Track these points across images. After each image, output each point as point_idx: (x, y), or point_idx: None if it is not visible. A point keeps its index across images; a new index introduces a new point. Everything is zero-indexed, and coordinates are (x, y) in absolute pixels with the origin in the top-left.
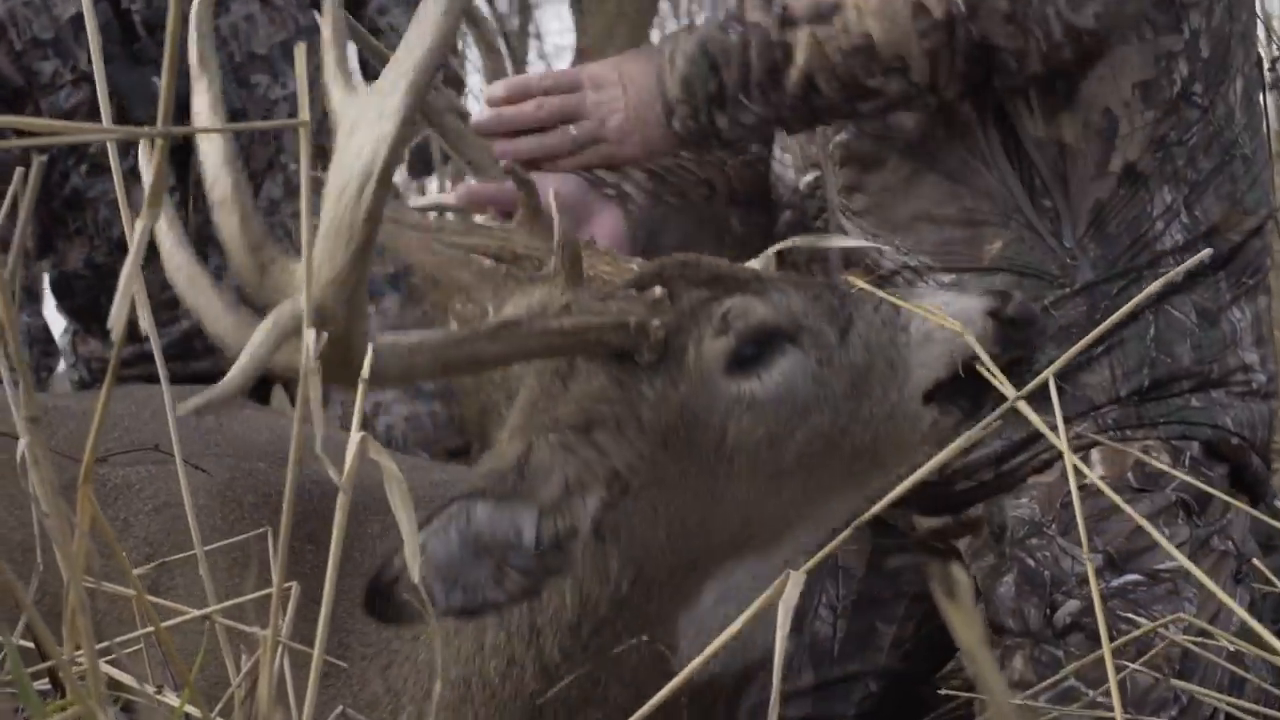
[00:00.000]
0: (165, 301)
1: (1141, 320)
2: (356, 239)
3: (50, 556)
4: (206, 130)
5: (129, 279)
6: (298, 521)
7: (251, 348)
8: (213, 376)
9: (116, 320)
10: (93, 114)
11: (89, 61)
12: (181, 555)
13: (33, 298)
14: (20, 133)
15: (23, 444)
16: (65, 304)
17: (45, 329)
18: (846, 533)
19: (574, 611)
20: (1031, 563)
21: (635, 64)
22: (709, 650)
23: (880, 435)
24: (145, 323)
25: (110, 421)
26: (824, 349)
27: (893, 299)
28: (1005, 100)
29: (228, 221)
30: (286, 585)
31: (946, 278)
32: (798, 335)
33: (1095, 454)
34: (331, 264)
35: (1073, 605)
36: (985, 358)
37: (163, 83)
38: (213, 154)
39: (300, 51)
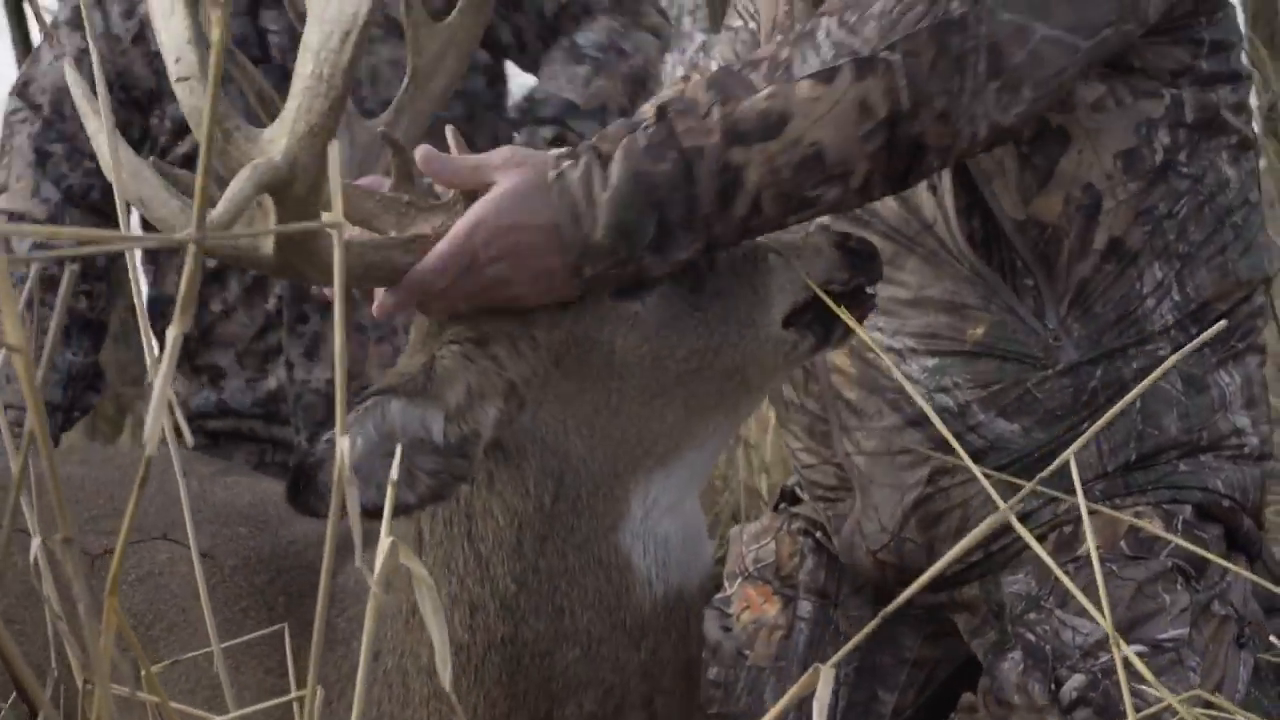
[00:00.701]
0: (254, 353)
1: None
2: (336, 89)
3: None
4: (246, 234)
5: (161, 393)
6: (274, 576)
7: (232, 193)
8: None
9: (150, 437)
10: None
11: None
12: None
13: (94, 334)
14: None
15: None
16: (157, 327)
17: (93, 366)
18: (874, 624)
19: (510, 530)
20: (1032, 638)
21: (532, 220)
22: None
23: (747, 356)
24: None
25: (95, 488)
26: (695, 276)
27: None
28: (980, 185)
29: (195, 92)
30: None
31: (930, 361)
32: None
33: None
34: (309, 116)
35: (1078, 680)
36: (819, 292)
37: (196, 186)
38: (174, 34)
39: (334, 151)
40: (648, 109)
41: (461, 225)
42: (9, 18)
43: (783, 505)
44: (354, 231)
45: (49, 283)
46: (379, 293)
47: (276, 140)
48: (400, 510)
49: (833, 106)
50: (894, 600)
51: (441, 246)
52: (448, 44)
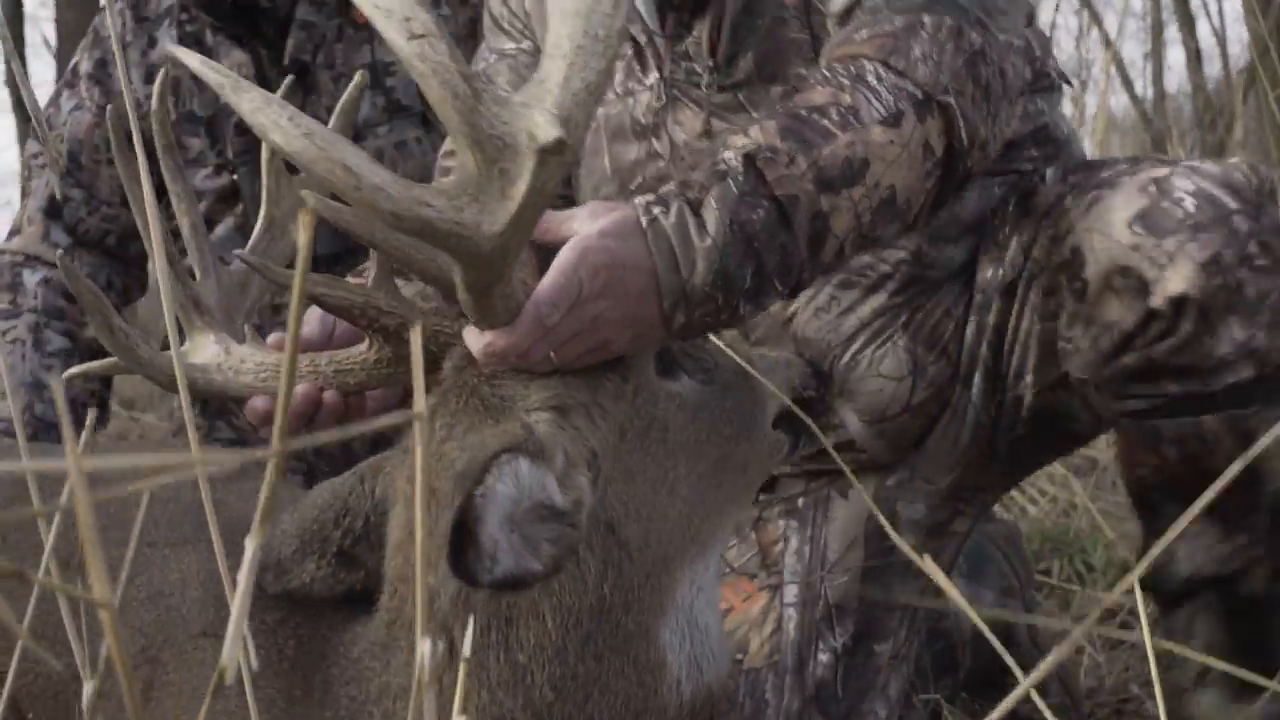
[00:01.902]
0: None
1: None
2: (612, 50)
3: None
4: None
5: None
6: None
7: (524, 177)
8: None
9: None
10: (222, 201)
11: (234, 154)
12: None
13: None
14: None
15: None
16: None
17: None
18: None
19: (559, 632)
20: None
21: (633, 251)
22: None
23: (757, 449)
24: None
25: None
26: (705, 369)
27: (724, 348)
28: None
29: (435, 49)
30: None
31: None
32: (683, 361)
33: None
34: (585, 74)
35: None
36: (790, 404)
37: (280, 400)
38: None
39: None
40: (729, 156)
41: (568, 256)
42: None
43: (761, 495)
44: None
45: (56, 312)
46: (477, 336)
47: (536, 102)
48: (526, 581)
49: (904, 150)
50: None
51: (552, 277)
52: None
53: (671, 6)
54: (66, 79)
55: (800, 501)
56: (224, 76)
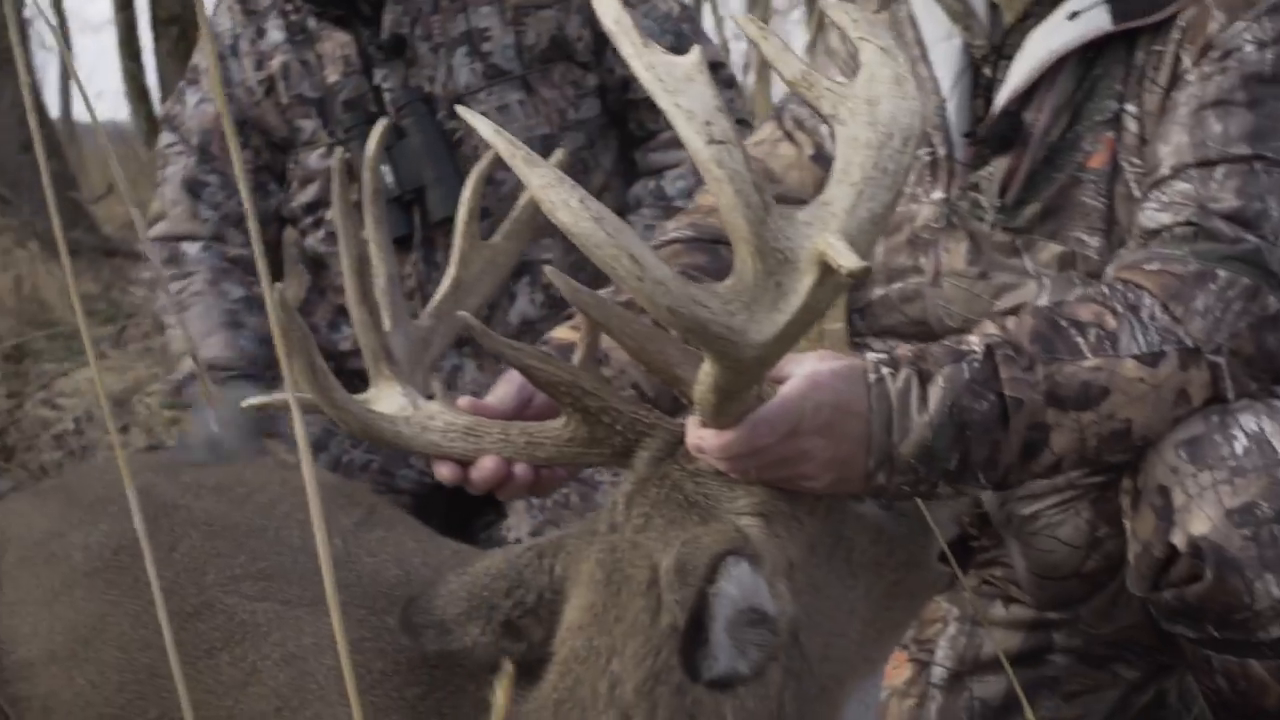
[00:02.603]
0: None
1: None
2: (899, 185)
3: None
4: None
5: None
6: (427, 689)
7: (799, 293)
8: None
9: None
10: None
11: (345, 130)
12: None
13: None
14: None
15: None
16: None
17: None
18: None
19: None
20: None
21: (854, 401)
22: None
23: (924, 579)
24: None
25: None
26: (887, 499)
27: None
28: None
29: (732, 156)
30: None
31: None
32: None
33: None
34: (871, 204)
35: None
36: (949, 556)
37: None
38: (703, 100)
39: None
40: (974, 340)
41: (797, 385)
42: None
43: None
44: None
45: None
46: (697, 428)
47: (820, 224)
48: (733, 682)
49: (1153, 390)
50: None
51: (779, 401)
52: (490, 262)
53: (977, 136)
54: (188, 76)
55: (967, 592)
56: (515, 148)
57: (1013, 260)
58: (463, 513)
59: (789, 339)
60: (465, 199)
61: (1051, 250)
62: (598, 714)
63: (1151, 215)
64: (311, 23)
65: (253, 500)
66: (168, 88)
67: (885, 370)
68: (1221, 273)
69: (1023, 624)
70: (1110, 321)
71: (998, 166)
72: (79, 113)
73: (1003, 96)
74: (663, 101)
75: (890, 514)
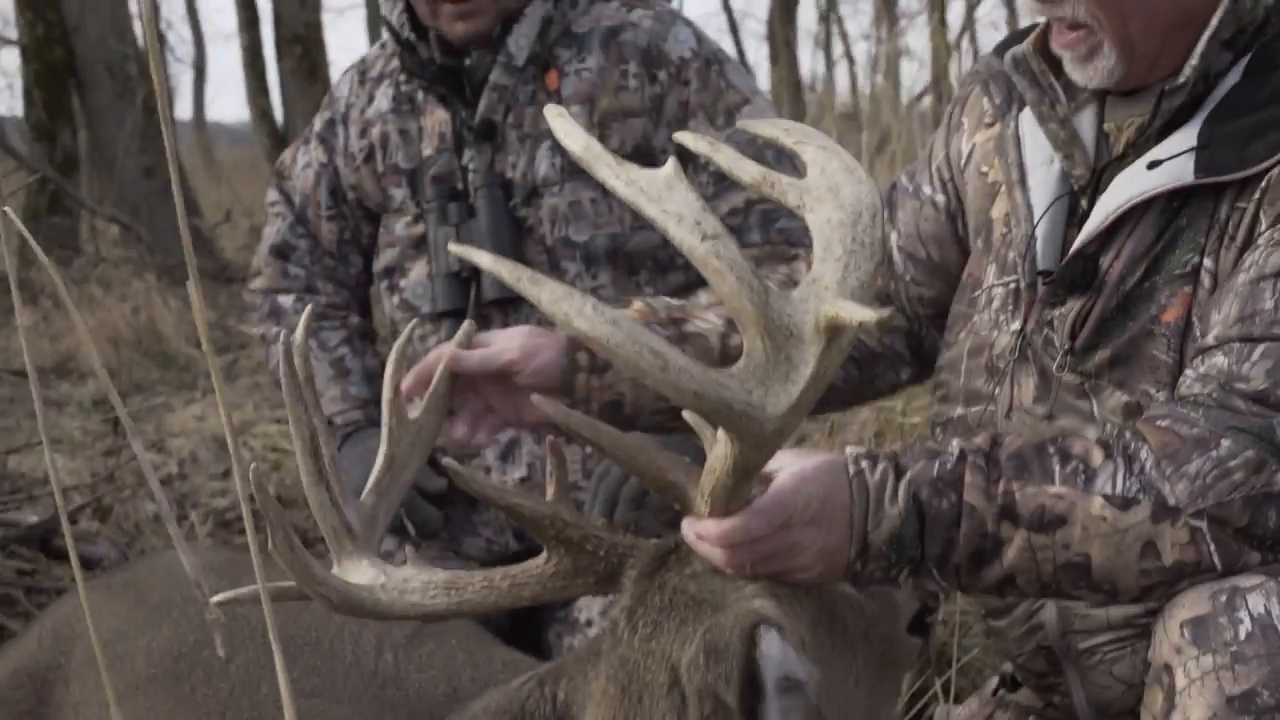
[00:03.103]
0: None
1: None
2: (878, 256)
3: None
4: None
5: None
6: None
7: (809, 363)
8: None
9: None
10: (414, 248)
11: (427, 202)
12: None
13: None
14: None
15: None
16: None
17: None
18: None
19: None
20: None
21: (838, 494)
22: None
23: (902, 649)
24: None
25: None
26: (857, 582)
27: None
28: None
29: (727, 248)
30: None
31: None
32: None
33: None
34: (858, 274)
35: None
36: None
37: None
38: (687, 203)
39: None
40: (955, 444)
41: (787, 481)
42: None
43: (1001, 691)
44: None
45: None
46: (697, 527)
47: (814, 297)
48: None
49: (1116, 533)
50: None
51: (772, 495)
52: (415, 438)
53: (1051, 278)
54: (304, 136)
55: (1031, 719)
56: (520, 271)
57: (1080, 403)
58: None
59: (804, 408)
60: (389, 375)
61: (1118, 399)
62: None
63: (1185, 381)
64: (419, 96)
65: (311, 609)
66: (290, 105)
67: (864, 464)
68: (1225, 441)
69: None
70: (1096, 460)
71: (1070, 307)
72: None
73: (1080, 238)
74: (650, 210)
75: (863, 592)
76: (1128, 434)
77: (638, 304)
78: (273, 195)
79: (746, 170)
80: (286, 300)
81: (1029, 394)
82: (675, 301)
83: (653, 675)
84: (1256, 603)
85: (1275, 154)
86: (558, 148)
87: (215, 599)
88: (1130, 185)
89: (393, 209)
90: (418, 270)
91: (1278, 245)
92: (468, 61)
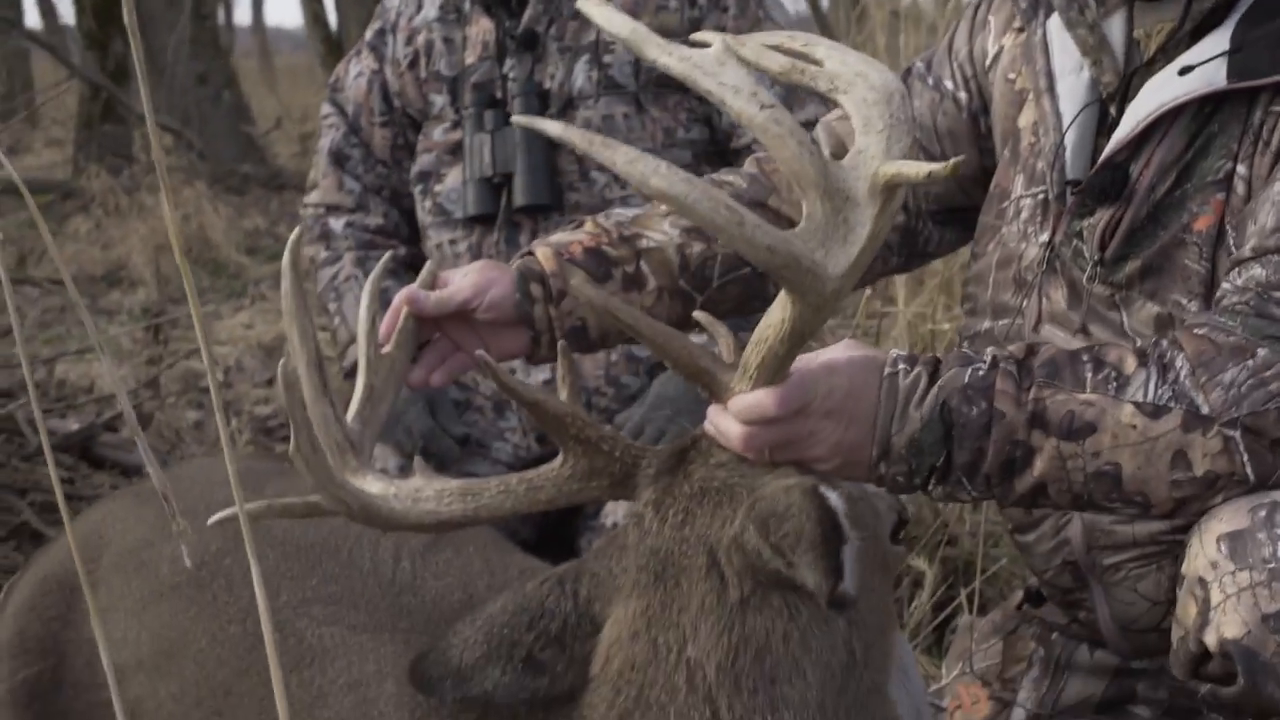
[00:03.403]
0: None
1: None
2: (912, 130)
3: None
4: None
5: None
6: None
7: (865, 225)
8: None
9: None
10: (451, 154)
11: (470, 105)
12: None
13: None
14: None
15: None
16: None
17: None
18: None
19: (819, 687)
20: None
21: (867, 391)
22: None
23: (892, 553)
24: None
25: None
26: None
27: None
28: None
29: (784, 117)
30: None
31: None
32: None
33: None
34: (900, 145)
35: None
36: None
37: None
38: (740, 78)
39: None
40: (992, 350)
41: (812, 368)
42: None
43: (1025, 605)
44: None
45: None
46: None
47: (864, 165)
48: (845, 602)
49: (1147, 440)
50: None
51: (793, 379)
52: (390, 371)
53: (1079, 188)
54: (356, 48)
55: (1055, 635)
56: (591, 136)
57: (1111, 315)
58: None
59: (859, 269)
60: (364, 306)
61: (1149, 310)
62: (678, 707)
63: (1223, 292)
64: (466, 5)
65: (330, 518)
66: (344, 9)
67: (902, 365)
68: (1262, 351)
69: (1106, 670)
70: (1129, 367)
71: (1100, 217)
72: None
73: (1109, 146)
74: (707, 84)
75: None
76: (1164, 342)
77: (589, 224)
78: (326, 109)
79: (774, 60)
80: (337, 224)
81: (1059, 307)
82: (628, 214)
83: (690, 560)
84: None
85: None
86: (596, 61)
87: (212, 520)
88: (1161, 91)
89: (432, 115)
90: (453, 176)
91: None
92: None
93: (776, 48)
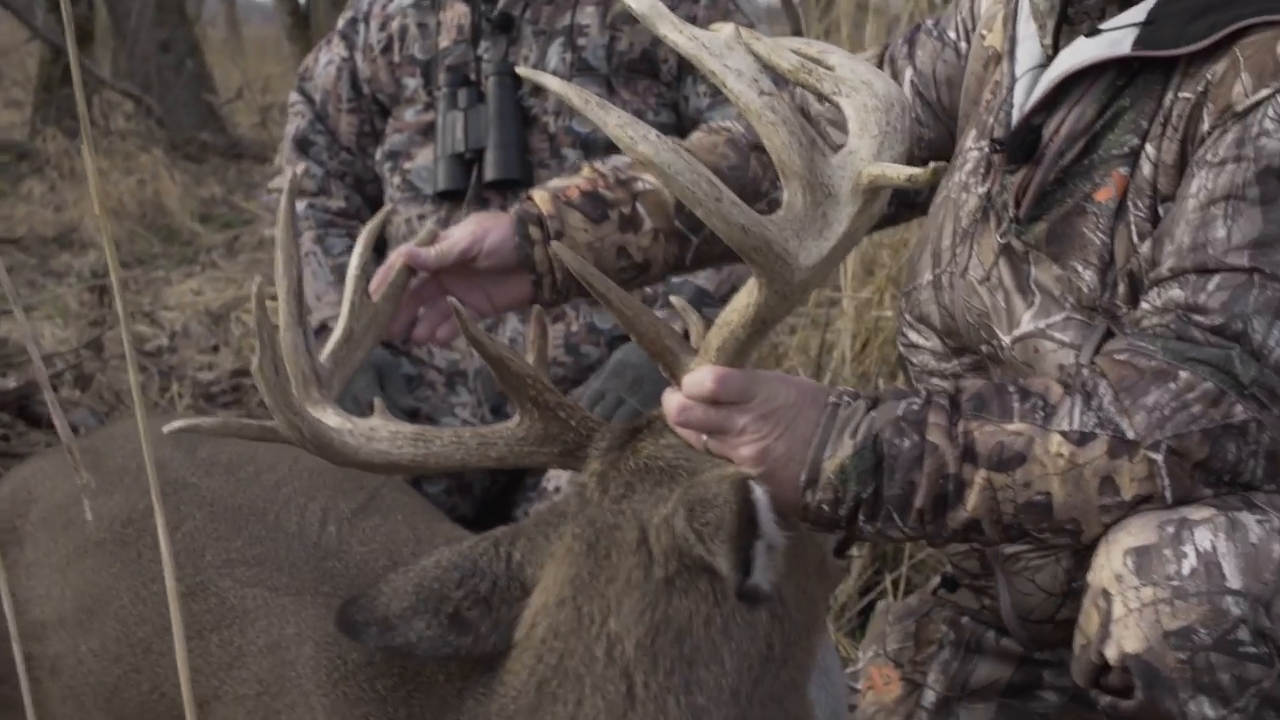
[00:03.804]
0: None
1: None
2: (906, 141)
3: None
4: None
5: None
6: (398, 682)
7: (842, 222)
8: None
9: None
10: (423, 134)
11: (444, 85)
12: None
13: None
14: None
15: None
16: None
17: None
18: None
19: (735, 675)
20: None
21: (808, 412)
22: None
23: (834, 568)
24: None
25: (234, 520)
26: None
27: None
28: None
29: (780, 104)
30: None
31: None
32: None
33: None
34: (892, 152)
35: None
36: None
37: None
38: (745, 64)
39: None
40: (930, 384)
41: (764, 374)
42: None
43: (940, 590)
44: None
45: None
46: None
47: (852, 165)
48: (759, 597)
49: (1074, 468)
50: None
51: (745, 370)
52: (372, 320)
53: (1003, 145)
54: (327, 37)
55: (965, 619)
56: (587, 95)
57: (1021, 266)
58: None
59: (831, 265)
60: (357, 253)
61: (1053, 271)
62: (594, 679)
63: (1142, 311)
64: None
65: (260, 481)
66: None
67: (845, 398)
68: (1184, 373)
69: (1013, 656)
70: (1054, 396)
71: (1017, 177)
72: None
73: (1027, 106)
74: (712, 65)
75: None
76: (1085, 370)
77: (585, 169)
78: (294, 97)
79: (785, 58)
80: (300, 205)
81: (985, 258)
82: (624, 160)
83: (622, 534)
84: (1203, 538)
85: (1213, 35)
86: (570, 44)
87: (167, 428)
88: (1073, 55)
89: (404, 98)
90: (424, 155)
91: (1224, 165)
92: None
93: (794, 50)
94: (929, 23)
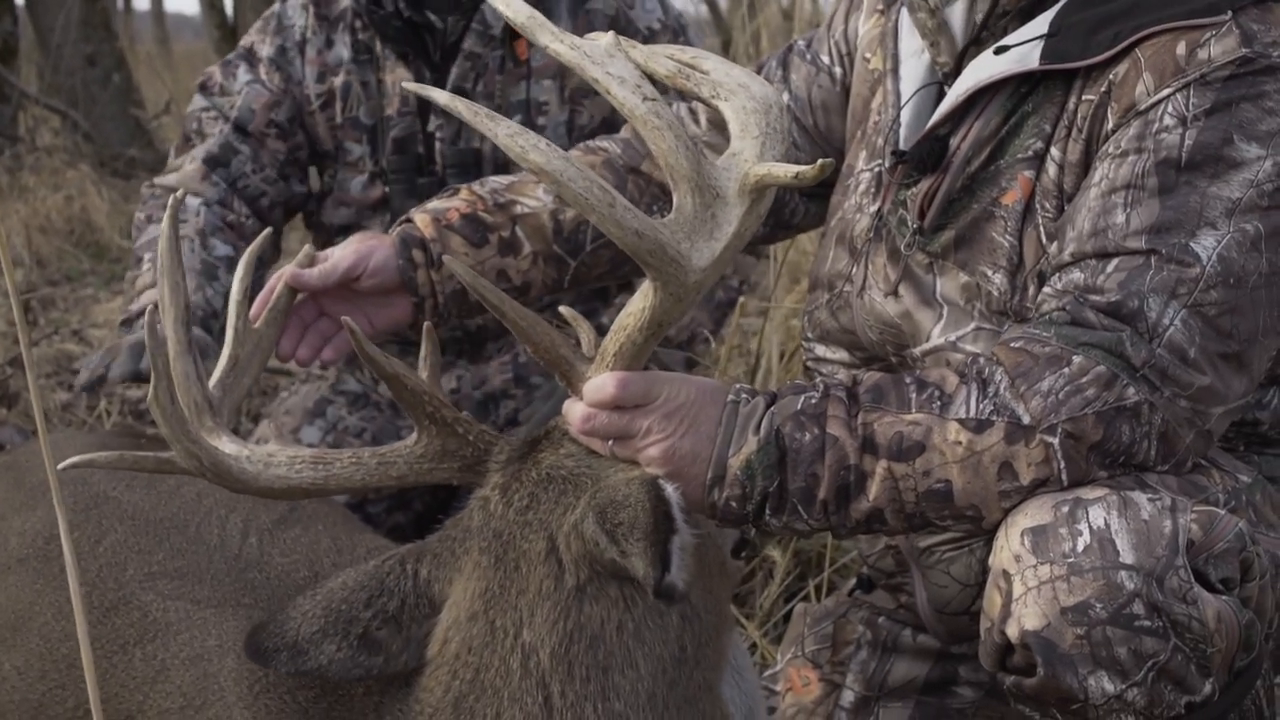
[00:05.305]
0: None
1: None
2: (785, 141)
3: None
4: None
5: None
6: (318, 695)
7: (731, 223)
8: None
9: None
10: (371, 209)
11: (390, 170)
12: None
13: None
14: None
15: None
16: None
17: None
18: None
19: (650, 679)
20: None
21: (709, 410)
22: None
23: (733, 567)
24: None
25: (155, 533)
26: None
27: None
28: None
29: (665, 110)
30: None
31: None
32: None
33: None
34: (773, 152)
35: None
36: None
37: None
38: (627, 72)
39: None
40: (827, 378)
41: (665, 374)
42: None
43: (857, 592)
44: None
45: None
46: (568, 404)
47: (737, 167)
48: (674, 594)
49: (973, 455)
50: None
51: (644, 372)
52: (257, 345)
53: (904, 157)
54: (243, 55)
55: (881, 619)
56: (477, 108)
57: (925, 279)
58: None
59: (722, 265)
60: (239, 277)
61: (959, 279)
62: (512, 691)
63: (1042, 296)
64: (378, 47)
65: (181, 493)
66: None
67: (744, 395)
68: (1077, 358)
69: (930, 653)
70: (950, 385)
71: (922, 187)
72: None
73: (933, 118)
74: (594, 72)
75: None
76: (981, 359)
77: (464, 192)
78: (203, 103)
79: (662, 63)
80: (194, 201)
81: (882, 275)
82: (503, 181)
83: (530, 544)
84: (1097, 515)
85: (1116, 45)
86: (528, 122)
87: (62, 465)
88: (979, 70)
89: (346, 162)
90: (376, 229)
91: (1125, 156)
92: (438, 24)
93: (669, 56)
94: (800, 44)
